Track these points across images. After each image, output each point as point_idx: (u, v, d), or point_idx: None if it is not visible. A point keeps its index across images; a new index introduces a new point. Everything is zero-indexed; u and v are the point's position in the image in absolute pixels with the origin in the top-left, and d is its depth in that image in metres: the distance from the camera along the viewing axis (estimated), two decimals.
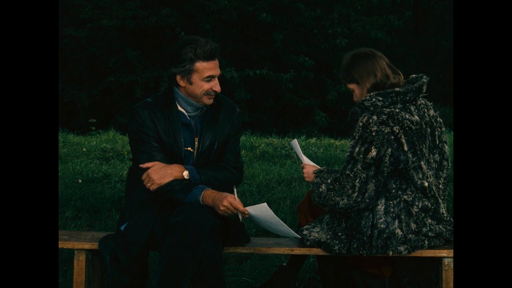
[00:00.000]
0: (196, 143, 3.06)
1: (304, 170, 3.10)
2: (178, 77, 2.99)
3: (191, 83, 2.98)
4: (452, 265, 2.96)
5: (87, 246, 3.10)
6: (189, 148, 3.05)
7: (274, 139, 9.30)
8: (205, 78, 2.97)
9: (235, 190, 2.95)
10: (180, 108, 3.06)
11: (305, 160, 3.17)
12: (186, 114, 3.06)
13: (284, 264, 3.38)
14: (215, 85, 3.00)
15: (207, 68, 2.96)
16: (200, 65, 2.95)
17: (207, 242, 2.74)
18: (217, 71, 3.00)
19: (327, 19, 16.67)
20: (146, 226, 2.94)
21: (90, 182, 6.37)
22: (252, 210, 2.92)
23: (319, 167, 3.08)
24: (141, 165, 2.96)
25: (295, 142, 3.19)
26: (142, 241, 2.92)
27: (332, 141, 9.45)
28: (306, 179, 3.08)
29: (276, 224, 2.99)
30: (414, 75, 3.07)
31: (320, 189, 2.94)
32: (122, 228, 3.02)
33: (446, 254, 2.96)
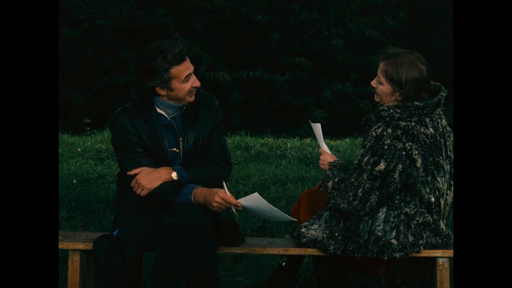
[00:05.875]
0: (181, 143, 3.05)
1: (321, 157, 3.09)
2: (157, 89, 2.97)
3: (172, 90, 2.97)
4: (446, 265, 2.97)
5: (81, 246, 3.09)
6: (174, 149, 3.04)
7: (269, 139, 9.28)
8: (183, 80, 2.96)
9: (224, 184, 2.95)
10: (159, 111, 3.04)
11: (324, 146, 3.15)
12: (167, 116, 3.05)
13: (284, 264, 3.36)
14: (194, 81, 3.00)
15: (183, 70, 2.95)
16: (175, 70, 2.93)
17: (201, 242, 2.73)
18: (191, 68, 3.00)
19: (323, 20, 16.65)
20: (139, 228, 2.93)
21: (85, 182, 6.35)
22: (245, 201, 2.92)
23: (335, 158, 3.07)
24: (129, 173, 2.95)
25: (318, 126, 3.13)
26: (136, 244, 2.91)
27: (327, 142, 9.44)
28: (321, 166, 3.08)
29: (270, 211, 2.98)
30: (432, 82, 2.99)
31: (328, 184, 2.97)
32: (115, 233, 3.00)
33: (441, 254, 2.96)
